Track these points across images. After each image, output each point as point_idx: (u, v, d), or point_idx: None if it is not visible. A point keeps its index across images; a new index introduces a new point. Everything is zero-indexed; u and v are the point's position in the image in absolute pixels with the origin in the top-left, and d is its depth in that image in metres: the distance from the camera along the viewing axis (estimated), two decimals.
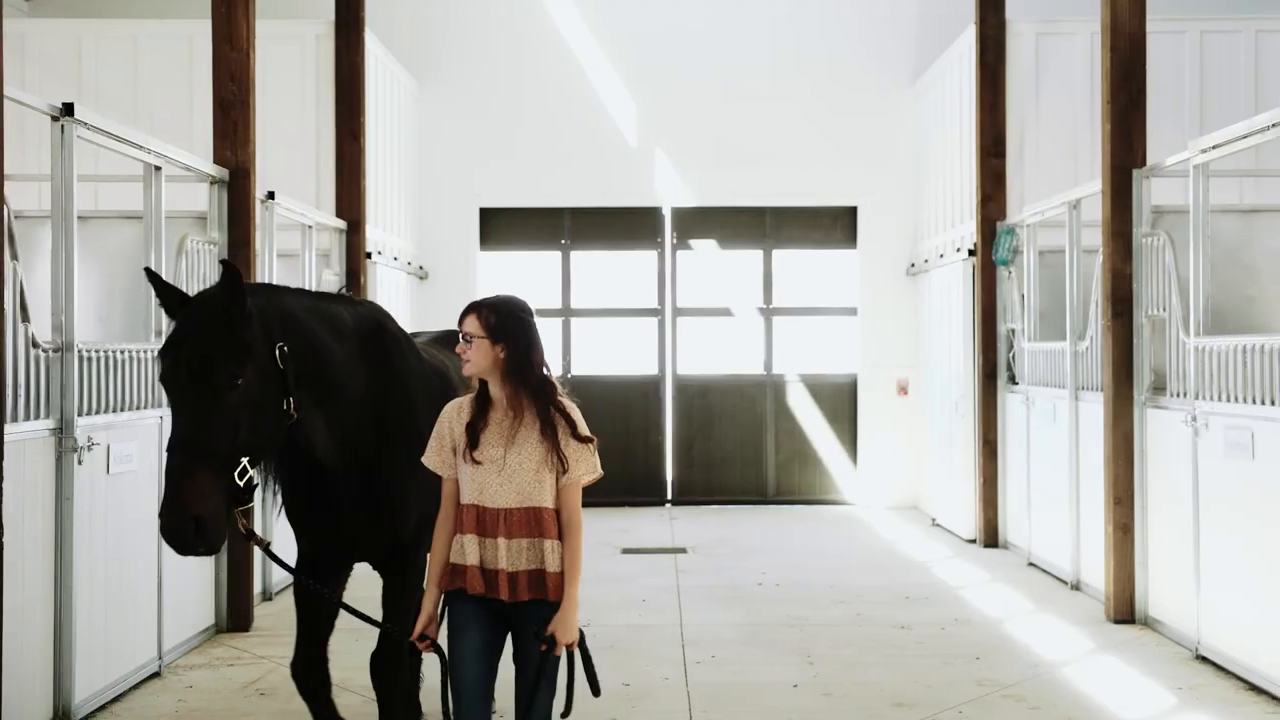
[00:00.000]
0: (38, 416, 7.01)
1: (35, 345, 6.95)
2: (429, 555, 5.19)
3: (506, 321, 5.03)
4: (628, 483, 16.51)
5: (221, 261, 4.97)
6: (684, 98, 16.34)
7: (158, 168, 8.37)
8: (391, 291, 14.32)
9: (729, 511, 16.03)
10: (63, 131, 7.19)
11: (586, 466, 5.07)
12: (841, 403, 16.57)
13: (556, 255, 16.74)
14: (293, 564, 5.87)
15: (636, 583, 11.30)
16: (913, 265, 16.15)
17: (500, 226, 16.66)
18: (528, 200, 16.49)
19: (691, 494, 16.52)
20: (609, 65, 16.40)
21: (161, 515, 4.66)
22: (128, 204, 10.23)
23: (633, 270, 16.81)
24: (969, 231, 13.61)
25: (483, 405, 5.07)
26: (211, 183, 9.43)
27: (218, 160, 9.54)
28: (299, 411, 5.23)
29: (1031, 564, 11.92)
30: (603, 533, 14.16)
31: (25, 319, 6.78)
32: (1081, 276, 11.09)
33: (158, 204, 8.34)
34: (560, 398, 5.13)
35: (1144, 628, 9.40)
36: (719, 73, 16.32)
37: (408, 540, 5.86)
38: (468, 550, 4.95)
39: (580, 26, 16.41)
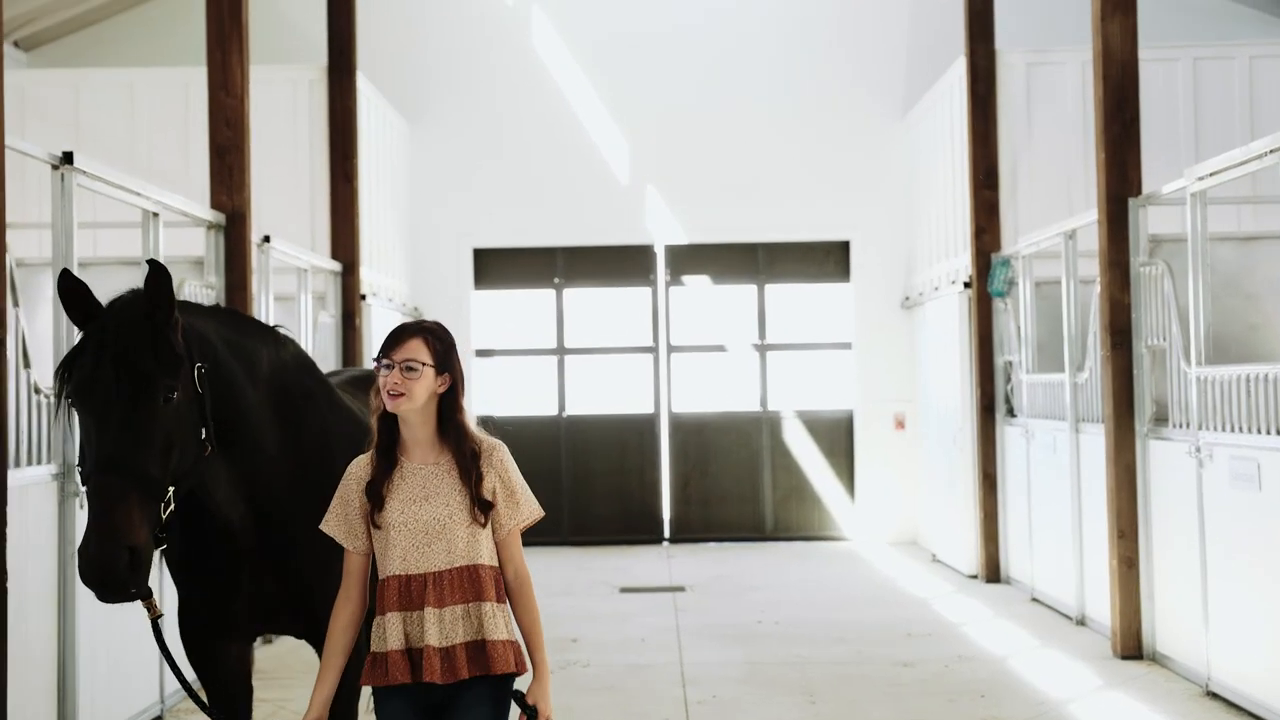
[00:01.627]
0: (40, 462, 7.01)
1: (37, 391, 6.94)
2: (326, 642, 4.44)
3: (451, 351, 4.47)
4: (624, 521, 16.46)
5: (148, 261, 4.35)
6: (675, 135, 16.38)
7: (155, 214, 8.37)
8: (386, 332, 14.27)
9: (727, 549, 15.98)
10: (63, 180, 7.18)
11: (525, 509, 4.44)
12: (838, 438, 16.55)
13: (550, 294, 16.73)
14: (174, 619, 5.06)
15: (635, 622, 11.25)
16: (907, 298, 16.16)
17: (493, 266, 16.65)
18: (520, 240, 16.50)
19: (689, 531, 16.47)
20: (600, 104, 16.44)
21: (87, 546, 4.03)
22: (126, 250, 10.22)
23: (626, 308, 16.81)
24: (964, 264, 13.62)
25: (390, 456, 4.37)
26: (208, 228, 9.42)
27: (214, 205, 9.54)
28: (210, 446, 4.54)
29: (1035, 599, 11.87)
30: (600, 571, 14.11)
31: (27, 365, 6.79)
32: (1079, 307, 11.09)
33: (156, 250, 8.33)
34: (476, 433, 4.48)
35: (1152, 664, 9.34)
36: (710, 110, 16.37)
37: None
38: (390, 633, 4.24)
39: (570, 65, 16.45)
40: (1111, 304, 9.67)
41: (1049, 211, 12.94)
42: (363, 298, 13.21)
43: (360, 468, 4.41)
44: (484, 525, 4.35)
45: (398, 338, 4.41)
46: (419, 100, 16.28)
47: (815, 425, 16.58)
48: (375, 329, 13.63)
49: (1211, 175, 8.47)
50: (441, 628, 4.25)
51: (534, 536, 16.13)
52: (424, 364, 4.33)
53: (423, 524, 4.28)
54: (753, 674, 9.27)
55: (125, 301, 4.41)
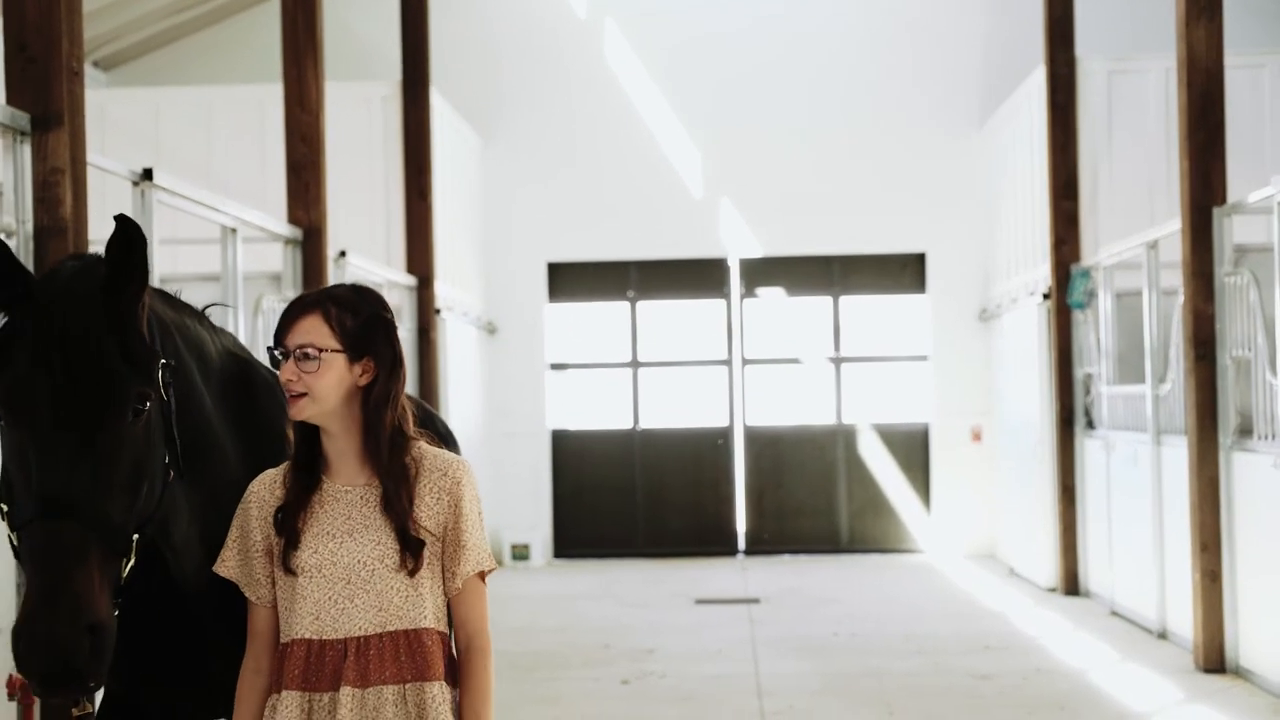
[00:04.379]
0: None
1: None
2: None
3: (373, 326, 3.28)
4: (699, 533, 16.43)
5: (117, 217, 3.15)
6: (748, 147, 16.34)
7: (233, 229, 8.46)
8: (461, 346, 14.38)
9: (801, 561, 15.90)
10: (143, 196, 7.28)
11: (471, 556, 3.30)
12: (914, 450, 16.43)
13: (624, 306, 16.75)
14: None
15: (711, 633, 11.21)
16: (984, 310, 16.03)
17: (567, 279, 16.69)
18: (594, 254, 16.53)
19: (763, 544, 16.40)
20: (672, 116, 16.43)
21: (32, 624, 2.87)
22: (205, 266, 10.34)
23: (700, 321, 16.79)
24: (1042, 275, 13.48)
25: (310, 473, 3.31)
26: (285, 243, 9.52)
27: (291, 220, 9.64)
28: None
29: (1114, 613, 11.70)
30: (675, 583, 14.09)
31: None
32: (1160, 318, 10.94)
33: (235, 267, 8.43)
34: (419, 444, 3.35)
35: (1235, 677, 9.17)
36: (784, 121, 16.32)
37: None
38: None
39: (643, 77, 16.47)
40: (1195, 314, 9.52)
41: (1130, 222, 12.76)
42: (437, 312, 13.30)
43: (265, 487, 3.35)
44: (413, 572, 3.23)
45: (289, 315, 3.28)
46: (491, 114, 16.36)
47: (891, 438, 16.47)
48: (450, 344, 13.73)
49: None
50: (363, 717, 3.17)
51: (608, 548, 16.24)
52: (325, 349, 3.20)
53: (344, 569, 3.20)
54: (829, 685, 9.21)
55: (74, 271, 3.16)
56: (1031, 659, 9.96)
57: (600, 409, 16.75)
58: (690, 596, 13.23)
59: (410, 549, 3.22)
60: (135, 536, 3.07)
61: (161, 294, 3.57)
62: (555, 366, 16.67)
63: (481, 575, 3.35)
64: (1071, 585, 12.84)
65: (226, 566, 3.33)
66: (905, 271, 16.58)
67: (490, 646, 3.33)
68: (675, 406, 16.70)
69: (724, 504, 16.50)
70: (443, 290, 13.76)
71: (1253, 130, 12.87)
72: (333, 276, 10.22)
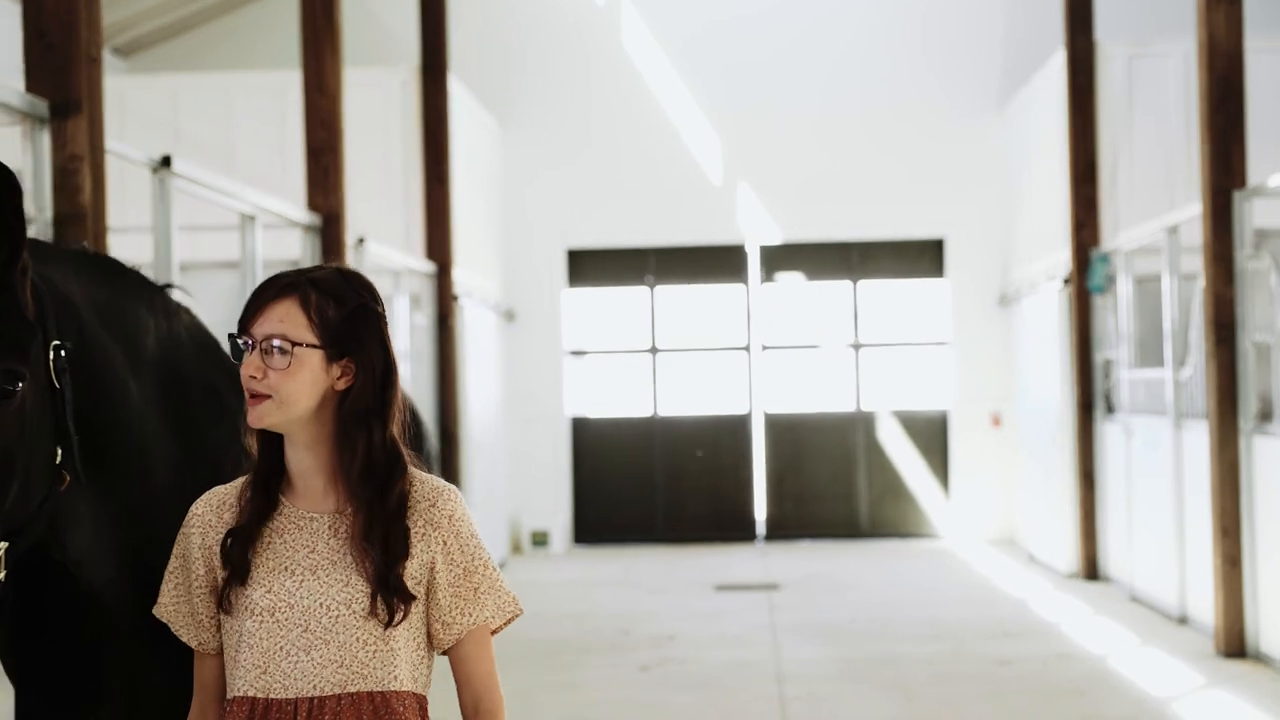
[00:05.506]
0: None
1: None
2: None
3: (358, 320, 2.67)
4: (718, 519, 16.44)
5: None
6: (767, 132, 16.31)
7: (252, 216, 8.48)
8: (479, 333, 14.39)
9: (821, 547, 15.90)
10: (161, 183, 7.29)
11: (492, 603, 2.74)
12: (933, 436, 16.41)
13: (643, 291, 16.73)
14: None
15: (731, 619, 11.22)
16: (1004, 295, 15.99)
17: (585, 265, 16.68)
18: (612, 240, 16.52)
19: (783, 530, 16.40)
20: (691, 102, 16.41)
21: None
22: (226, 253, 10.37)
23: (719, 307, 16.79)
24: (1062, 260, 13.44)
25: (265, 496, 2.70)
26: (304, 229, 9.53)
27: (310, 206, 9.65)
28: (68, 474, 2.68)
29: (1134, 598, 11.68)
30: (694, 569, 14.10)
31: None
32: (1181, 303, 10.91)
33: (254, 253, 8.44)
34: (416, 472, 2.75)
35: (1256, 662, 9.14)
36: (802, 106, 16.28)
37: None
38: None
39: (662, 63, 16.44)
40: (1216, 299, 9.48)
41: (1150, 206, 12.71)
42: (455, 298, 13.31)
43: (211, 508, 2.75)
44: (394, 624, 2.64)
45: (259, 297, 2.68)
46: (510, 100, 16.35)
47: (910, 423, 16.45)
48: (469, 330, 13.74)
49: None
50: None
51: (628, 534, 16.27)
52: (299, 344, 2.61)
53: (300, 613, 2.63)
54: (849, 671, 9.21)
55: None
56: (1051, 644, 9.96)
57: (619, 395, 16.76)
58: (710, 583, 13.25)
59: (393, 597, 2.62)
60: (5, 545, 2.52)
61: (100, 265, 3.07)
62: (574, 353, 16.68)
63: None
64: (1091, 570, 12.82)
65: (163, 608, 2.75)
66: (924, 256, 16.54)
67: (502, 707, 2.76)
68: (694, 392, 16.70)
69: (743, 490, 16.51)
70: (461, 276, 13.77)
71: (1273, 114, 12.78)
72: (351, 263, 10.24)
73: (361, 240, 10.57)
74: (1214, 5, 9.44)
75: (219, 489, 2.78)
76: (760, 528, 16.45)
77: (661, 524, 16.37)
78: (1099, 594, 12.09)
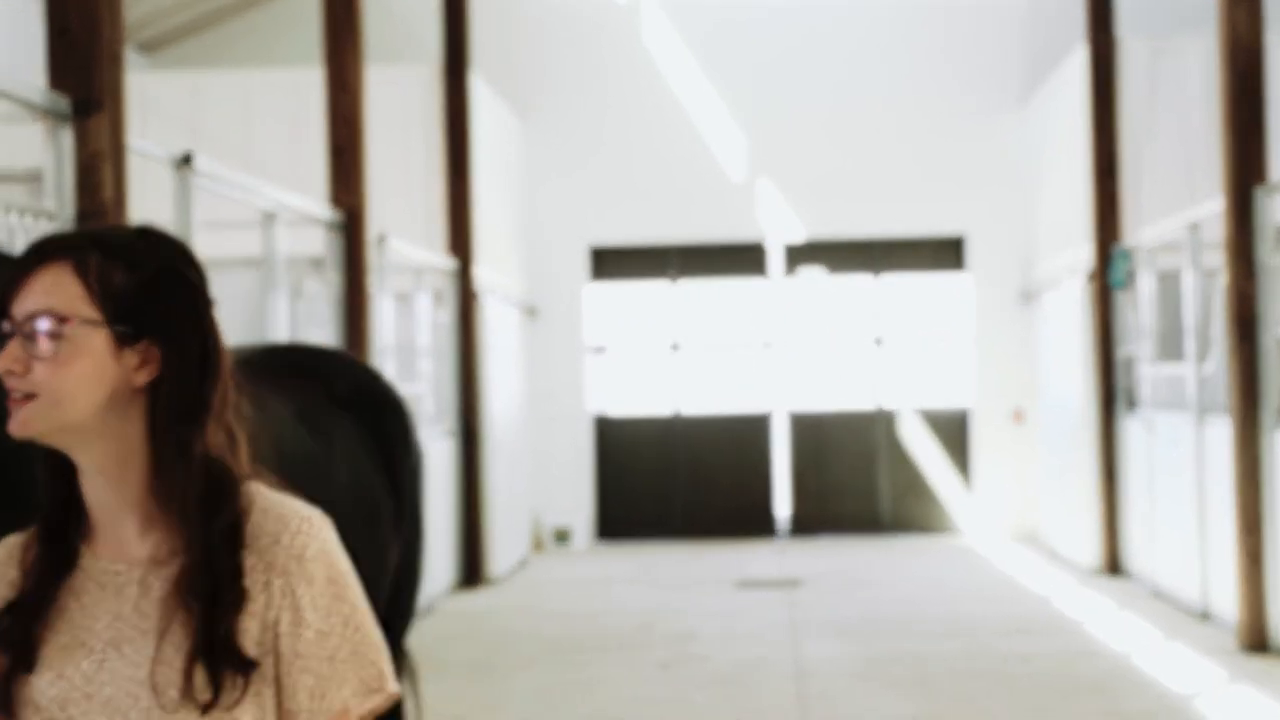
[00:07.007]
0: None
1: None
2: None
3: (160, 288, 1.99)
4: (739, 516, 16.43)
5: None
6: (788, 129, 16.29)
7: (274, 213, 8.51)
8: (501, 329, 14.41)
9: (842, 543, 15.88)
10: (183, 180, 7.33)
11: (355, 676, 1.98)
12: (955, 432, 16.38)
13: (664, 288, 16.73)
14: None
15: (752, 616, 11.23)
16: (1025, 292, 15.95)
17: (606, 262, 16.69)
18: (634, 237, 16.52)
19: (804, 527, 16.39)
20: (713, 98, 16.40)
21: None
22: (247, 250, 10.40)
23: (740, 303, 16.78)
24: (1084, 256, 13.40)
25: (57, 548, 2.00)
26: (327, 226, 9.56)
27: (333, 202, 9.68)
28: None
29: (1156, 594, 11.65)
30: (716, 566, 14.10)
31: None
32: (1202, 298, 10.87)
33: (275, 249, 8.48)
34: (251, 487, 2.01)
35: (1278, 658, 9.11)
36: (823, 103, 16.25)
37: None
38: None
39: (683, 59, 16.44)
40: (1238, 294, 9.45)
41: (1172, 202, 12.66)
42: (477, 295, 13.33)
43: (4, 557, 2.05)
44: (227, 706, 1.92)
45: (22, 266, 1.97)
46: (531, 97, 16.36)
47: (932, 419, 16.42)
48: (491, 327, 13.76)
49: None
50: None
51: (650, 531, 16.27)
52: (72, 319, 1.92)
53: (102, 704, 1.93)
54: (869, 668, 9.21)
55: None
56: (1072, 641, 9.94)
57: (641, 392, 16.76)
58: (731, 579, 13.24)
59: (222, 668, 1.90)
60: None
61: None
62: (596, 350, 16.69)
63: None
64: (1113, 566, 12.78)
65: None
66: (946, 253, 16.51)
67: None
68: (716, 389, 16.70)
69: (764, 486, 16.50)
70: (482, 273, 13.79)
71: None
72: (373, 260, 10.27)
73: (383, 237, 10.60)
74: (1235, 2, 9.42)
75: (11, 538, 2.06)
76: (781, 524, 16.44)
77: (683, 521, 16.37)
78: (1121, 590, 12.05)
